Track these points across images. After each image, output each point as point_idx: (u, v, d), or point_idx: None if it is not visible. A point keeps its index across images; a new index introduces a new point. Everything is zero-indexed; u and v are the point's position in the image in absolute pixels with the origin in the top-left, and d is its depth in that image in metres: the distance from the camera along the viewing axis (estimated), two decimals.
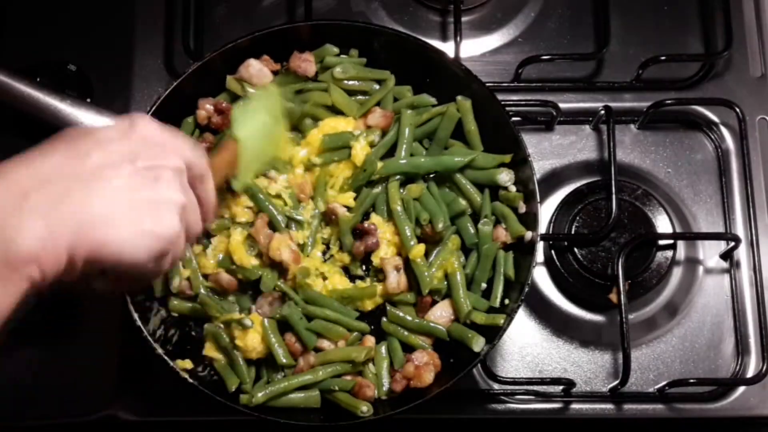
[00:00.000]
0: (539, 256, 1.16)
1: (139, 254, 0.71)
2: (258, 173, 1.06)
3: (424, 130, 1.10)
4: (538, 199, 1.02)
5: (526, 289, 0.98)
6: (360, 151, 1.08)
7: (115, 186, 0.70)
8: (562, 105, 1.19)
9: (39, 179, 0.68)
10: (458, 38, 1.18)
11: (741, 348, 1.14)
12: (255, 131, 0.98)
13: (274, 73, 1.10)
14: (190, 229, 0.78)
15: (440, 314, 1.05)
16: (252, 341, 1.02)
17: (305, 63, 1.09)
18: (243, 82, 1.09)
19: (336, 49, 1.11)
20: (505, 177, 1.06)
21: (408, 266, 1.05)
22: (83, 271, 0.69)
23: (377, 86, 1.12)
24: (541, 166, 1.20)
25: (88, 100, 1.21)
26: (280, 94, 1.05)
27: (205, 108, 1.08)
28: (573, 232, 1.14)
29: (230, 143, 0.94)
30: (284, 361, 1.02)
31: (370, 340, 1.05)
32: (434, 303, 1.06)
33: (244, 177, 0.97)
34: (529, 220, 1.03)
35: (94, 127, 0.75)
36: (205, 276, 1.06)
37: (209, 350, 1.04)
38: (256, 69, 1.08)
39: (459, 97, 1.08)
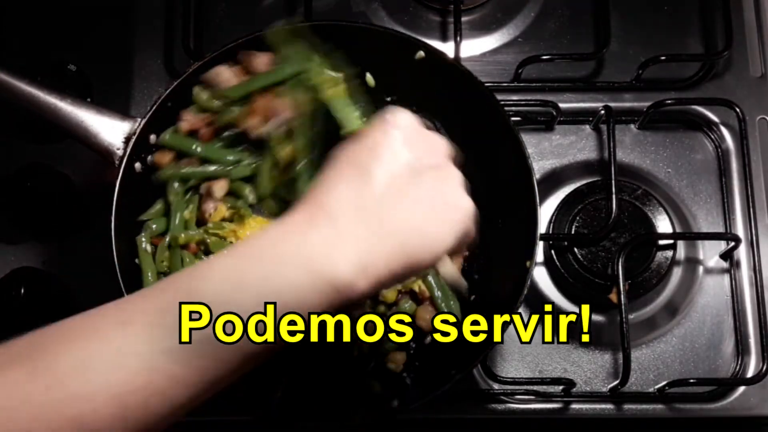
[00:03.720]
0: (539, 256, 1.16)
1: (448, 244, 0.72)
2: None
3: None
4: (538, 200, 1.01)
5: (526, 289, 0.98)
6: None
7: (410, 196, 0.71)
8: (562, 105, 1.19)
9: (346, 208, 0.69)
10: (458, 38, 1.18)
11: (741, 348, 1.14)
12: None
13: None
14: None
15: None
16: None
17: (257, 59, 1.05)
18: (209, 89, 1.05)
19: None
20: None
21: None
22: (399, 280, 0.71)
23: None
24: (541, 166, 1.20)
25: (88, 99, 1.21)
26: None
27: (187, 119, 1.05)
28: (573, 232, 1.14)
29: None
30: None
31: None
32: None
33: None
34: (529, 220, 1.03)
35: (357, 138, 0.75)
36: None
37: None
38: (225, 77, 1.05)
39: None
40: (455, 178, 0.74)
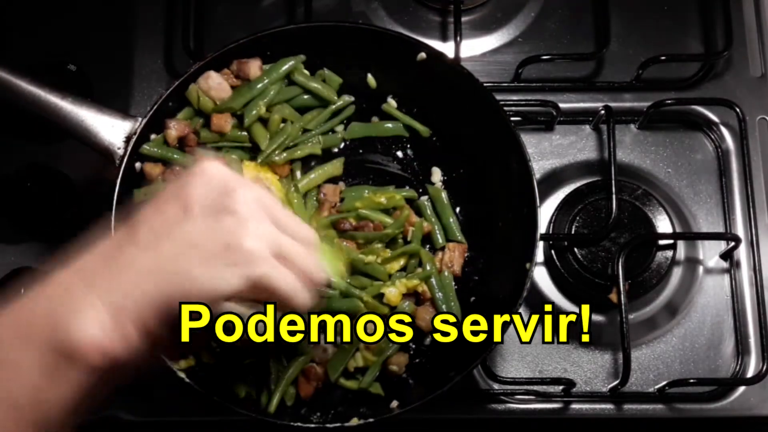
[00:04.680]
0: (539, 256, 1.16)
1: (224, 288, 0.66)
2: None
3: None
4: (538, 200, 1.01)
5: (526, 291, 0.98)
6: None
7: (175, 242, 0.66)
8: (562, 105, 1.19)
9: (100, 262, 0.65)
10: (458, 38, 1.18)
11: (741, 348, 1.14)
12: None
13: (234, 87, 1.08)
14: (289, 253, 0.72)
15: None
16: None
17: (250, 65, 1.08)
18: (201, 93, 1.06)
19: (302, 57, 1.11)
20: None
21: None
22: (164, 336, 0.66)
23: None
24: (541, 166, 1.20)
25: (89, 99, 1.21)
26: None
27: (173, 126, 1.05)
28: (573, 232, 1.14)
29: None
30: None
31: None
32: None
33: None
34: (529, 220, 1.03)
35: (156, 193, 0.72)
36: None
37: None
38: (216, 82, 1.06)
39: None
40: (249, 225, 0.68)
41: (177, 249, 0.65)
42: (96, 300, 0.63)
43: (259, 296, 0.70)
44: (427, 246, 1.11)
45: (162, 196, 0.70)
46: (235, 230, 0.67)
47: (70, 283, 0.64)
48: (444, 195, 1.12)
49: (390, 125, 1.14)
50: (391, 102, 1.14)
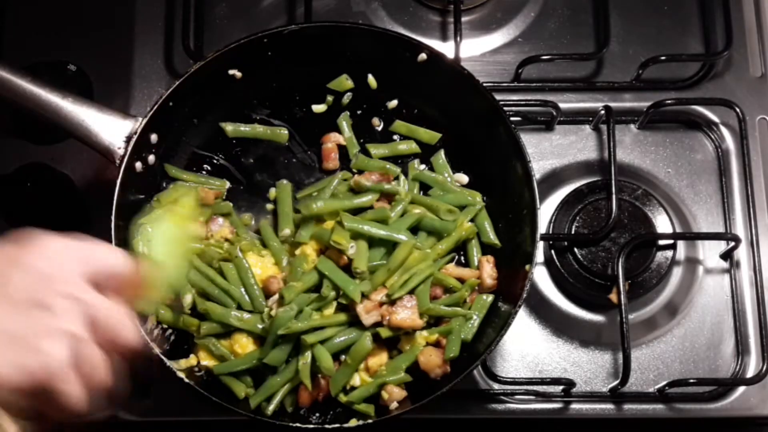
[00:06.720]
0: (539, 256, 1.16)
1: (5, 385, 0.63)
2: (165, 296, 1.01)
3: None
4: (538, 200, 1.01)
5: (526, 292, 0.98)
6: None
7: None
8: (562, 105, 1.19)
9: None
10: (458, 38, 1.18)
11: (741, 348, 1.14)
12: (169, 252, 0.94)
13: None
14: (93, 361, 0.70)
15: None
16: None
17: None
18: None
19: (351, 83, 1.13)
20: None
21: None
22: None
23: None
24: (541, 166, 1.20)
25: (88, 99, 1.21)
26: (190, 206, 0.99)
27: None
28: (573, 232, 1.14)
29: (141, 264, 0.87)
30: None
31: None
32: None
33: (153, 298, 0.94)
34: (529, 221, 1.03)
35: None
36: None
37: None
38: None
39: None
40: (62, 328, 0.66)
41: None
42: None
43: (36, 402, 0.67)
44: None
45: None
46: (40, 327, 0.65)
47: None
48: (479, 198, 1.11)
49: (404, 146, 1.14)
50: (393, 103, 1.14)
